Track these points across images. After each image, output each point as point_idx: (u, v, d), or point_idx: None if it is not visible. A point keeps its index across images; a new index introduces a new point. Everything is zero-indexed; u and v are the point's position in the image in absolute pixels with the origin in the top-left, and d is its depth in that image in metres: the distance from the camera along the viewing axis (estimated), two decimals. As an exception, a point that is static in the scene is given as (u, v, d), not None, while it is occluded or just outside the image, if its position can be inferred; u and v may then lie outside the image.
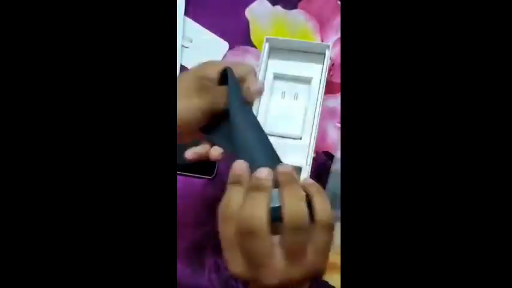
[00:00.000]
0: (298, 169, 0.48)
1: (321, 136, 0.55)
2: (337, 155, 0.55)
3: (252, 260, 0.30)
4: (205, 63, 0.43)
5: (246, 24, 0.59)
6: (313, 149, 0.47)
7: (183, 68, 0.57)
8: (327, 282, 0.50)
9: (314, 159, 0.51)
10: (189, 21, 0.59)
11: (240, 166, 0.33)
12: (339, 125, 0.56)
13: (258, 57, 0.53)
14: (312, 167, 0.48)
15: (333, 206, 0.32)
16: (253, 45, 0.58)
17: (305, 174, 0.44)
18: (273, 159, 0.36)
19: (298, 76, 0.52)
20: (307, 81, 0.51)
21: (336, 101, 0.56)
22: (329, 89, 0.56)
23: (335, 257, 0.50)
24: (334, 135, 0.56)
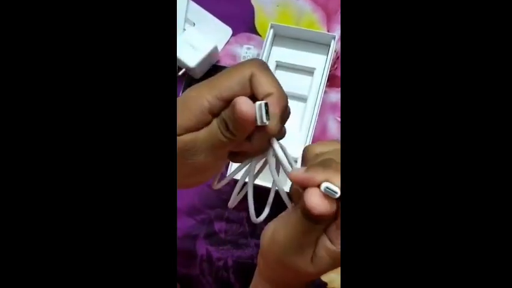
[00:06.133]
0: (295, 160, 0.47)
1: (321, 130, 0.54)
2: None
3: None
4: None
5: (251, 11, 0.57)
6: (311, 140, 0.46)
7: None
8: (319, 277, 0.49)
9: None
10: (193, 4, 0.58)
11: None
12: (340, 119, 0.55)
13: (261, 45, 0.52)
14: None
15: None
16: (257, 33, 0.57)
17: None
18: None
19: (301, 66, 0.50)
20: (309, 71, 0.50)
21: (338, 95, 0.55)
22: (332, 83, 0.55)
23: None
24: (334, 129, 0.54)
